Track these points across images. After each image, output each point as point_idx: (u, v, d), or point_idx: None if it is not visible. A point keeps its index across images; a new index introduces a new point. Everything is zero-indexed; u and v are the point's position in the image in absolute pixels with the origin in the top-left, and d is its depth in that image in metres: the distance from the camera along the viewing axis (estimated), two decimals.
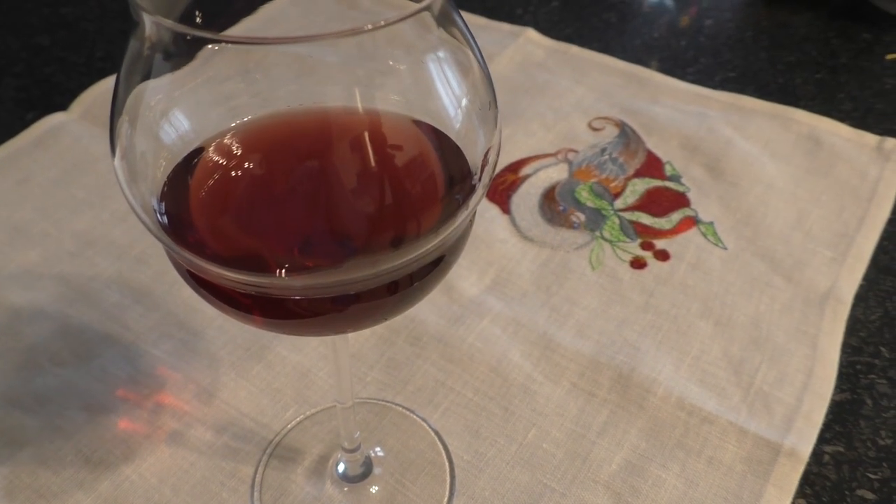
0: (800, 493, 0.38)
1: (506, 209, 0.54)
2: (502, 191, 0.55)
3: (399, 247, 0.25)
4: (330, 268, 0.26)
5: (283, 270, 0.25)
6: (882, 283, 0.49)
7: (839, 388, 0.43)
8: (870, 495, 0.38)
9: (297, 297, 0.25)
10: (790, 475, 0.39)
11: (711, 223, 0.52)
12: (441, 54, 0.25)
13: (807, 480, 0.39)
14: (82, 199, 0.55)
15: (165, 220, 0.26)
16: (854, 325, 0.46)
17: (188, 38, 0.21)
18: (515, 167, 0.57)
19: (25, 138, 0.60)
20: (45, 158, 0.58)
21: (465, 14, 0.26)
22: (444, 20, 0.24)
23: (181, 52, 0.23)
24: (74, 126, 0.61)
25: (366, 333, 0.46)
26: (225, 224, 0.26)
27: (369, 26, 0.20)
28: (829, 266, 0.49)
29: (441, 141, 0.27)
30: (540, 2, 0.78)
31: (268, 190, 0.26)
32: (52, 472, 0.40)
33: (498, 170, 0.57)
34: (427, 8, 0.22)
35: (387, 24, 0.20)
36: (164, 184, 0.26)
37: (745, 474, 0.39)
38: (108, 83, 0.65)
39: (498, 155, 0.26)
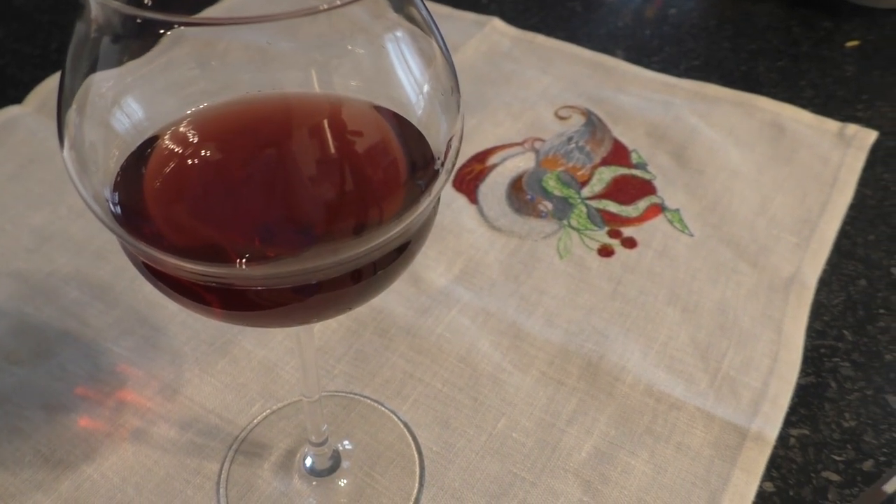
0: (767, 476, 0.39)
1: (473, 199, 0.53)
2: (469, 181, 0.55)
3: (361, 234, 0.24)
4: (291, 257, 0.25)
5: (243, 260, 0.24)
6: (844, 268, 0.49)
7: (804, 371, 0.43)
8: (835, 477, 0.39)
9: (259, 288, 0.24)
10: (757, 459, 0.39)
11: (678, 210, 0.52)
12: (400, 37, 0.24)
13: (773, 464, 0.39)
14: (39, 193, 0.54)
15: (119, 210, 0.25)
16: (818, 310, 0.47)
17: (137, 20, 0.21)
18: (482, 157, 0.57)
19: None
20: (0, 153, 0.56)
21: (429, 4, 0.25)
22: (401, 3, 0.23)
23: (130, 35, 0.22)
24: (29, 119, 0.59)
25: (333, 325, 0.45)
26: (182, 214, 0.26)
27: (325, 6, 0.19)
28: (792, 251, 0.50)
29: (403, 127, 0.26)
30: None
31: (225, 178, 0.26)
32: (10, 473, 0.39)
33: (465, 160, 0.56)
34: None
35: (343, 5, 0.20)
36: (118, 174, 0.25)
37: (713, 459, 0.39)
38: None
39: (461, 140, 0.26)
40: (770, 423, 0.40)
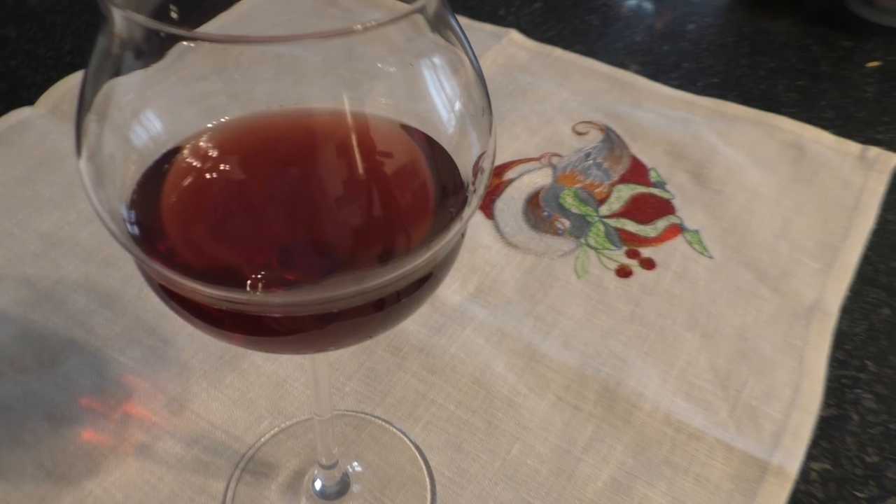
0: None
1: (489, 214, 0.52)
2: (486, 195, 0.54)
3: (387, 262, 0.23)
4: (312, 283, 0.24)
5: (262, 286, 0.23)
6: (867, 295, 0.48)
7: (826, 403, 0.42)
8: None
9: (277, 315, 0.23)
10: (778, 494, 0.38)
11: (697, 231, 0.51)
12: (434, 58, 0.23)
13: (794, 499, 0.38)
14: (48, 198, 0.53)
15: (136, 229, 0.24)
16: (839, 338, 0.46)
17: (161, 35, 0.20)
18: (499, 171, 0.56)
19: None
20: (10, 155, 0.56)
21: None
22: (437, 22, 0.22)
23: (153, 49, 0.21)
24: (41, 122, 0.59)
25: None
26: (200, 235, 0.25)
27: (359, 27, 0.19)
28: (814, 277, 0.49)
29: (432, 148, 0.25)
30: (522, 3, 0.77)
31: (246, 198, 0.25)
32: (11, 485, 0.38)
33: None
34: (420, 10, 0.20)
35: (378, 26, 0.19)
36: (135, 190, 0.24)
37: (733, 493, 0.38)
38: (76, 78, 0.62)
39: (493, 164, 0.25)
40: (791, 457, 0.39)
